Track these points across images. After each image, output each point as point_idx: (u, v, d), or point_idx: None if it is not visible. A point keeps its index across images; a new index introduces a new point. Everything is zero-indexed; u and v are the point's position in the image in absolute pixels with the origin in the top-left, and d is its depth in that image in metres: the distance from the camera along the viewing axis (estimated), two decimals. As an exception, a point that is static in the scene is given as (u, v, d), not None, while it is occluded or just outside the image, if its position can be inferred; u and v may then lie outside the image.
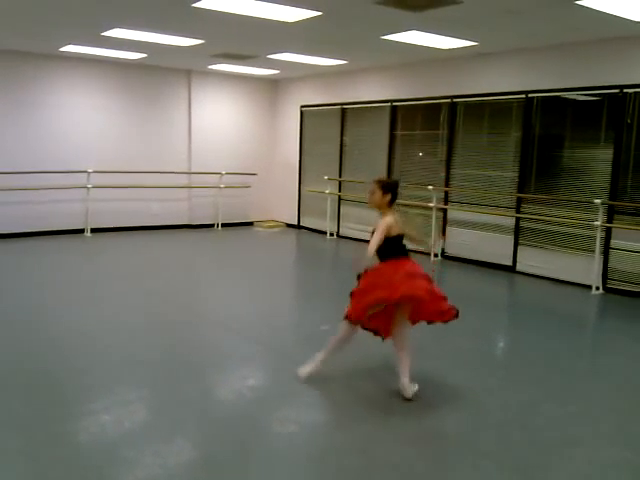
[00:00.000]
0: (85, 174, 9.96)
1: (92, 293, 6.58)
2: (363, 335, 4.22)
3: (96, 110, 10.23)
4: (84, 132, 10.12)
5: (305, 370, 4.22)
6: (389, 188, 4.10)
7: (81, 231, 10.17)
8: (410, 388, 3.95)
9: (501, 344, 5.69)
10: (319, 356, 4.20)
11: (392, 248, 4.05)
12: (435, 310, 4.09)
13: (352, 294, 4.06)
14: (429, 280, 4.10)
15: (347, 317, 4.06)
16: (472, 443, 3.46)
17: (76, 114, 10.03)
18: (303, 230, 11.75)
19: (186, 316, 5.85)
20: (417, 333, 5.54)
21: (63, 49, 8.96)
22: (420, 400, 4.00)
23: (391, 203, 4.11)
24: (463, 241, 8.84)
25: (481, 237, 8.60)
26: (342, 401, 4.03)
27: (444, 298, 4.15)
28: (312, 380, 4.18)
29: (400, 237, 4.10)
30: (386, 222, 4.02)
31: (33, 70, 9.55)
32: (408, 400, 3.92)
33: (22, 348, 4.75)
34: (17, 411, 3.65)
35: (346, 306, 4.07)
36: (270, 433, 3.57)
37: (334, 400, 4.08)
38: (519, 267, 8.09)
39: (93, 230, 10.20)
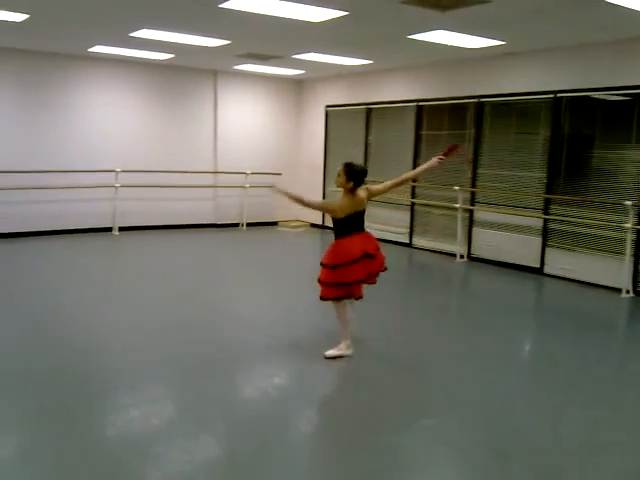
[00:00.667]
0: (113, 173, 10.10)
1: (119, 291, 6.67)
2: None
3: (124, 110, 10.37)
4: (112, 132, 10.26)
5: (331, 353, 4.65)
6: (352, 176, 4.53)
7: (109, 229, 10.31)
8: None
9: (527, 347, 5.62)
10: (342, 339, 4.68)
11: (343, 228, 4.61)
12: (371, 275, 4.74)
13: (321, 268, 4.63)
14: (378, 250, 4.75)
15: (321, 298, 4.63)
16: (497, 446, 3.42)
17: (104, 114, 10.17)
18: (327, 230, 11.74)
19: (211, 315, 5.89)
20: (444, 336, 5.51)
21: (91, 50, 9.10)
22: (446, 401, 3.98)
23: (353, 190, 4.55)
24: (489, 242, 8.75)
25: (508, 238, 8.49)
26: (368, 402, 4.02)
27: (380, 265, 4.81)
28: (341, 372, 4.18)
29: (354, 217, 4.60)
30: (338, 204, 4.58)
31: (62, 71, 9.72)
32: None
33: (50, 345, 4.83)
34: (46, 407, 3.71)
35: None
36: (295, 432, 3.58)
37: (360, 401, 4.07)
38: (547, 269, 7.98)
39: (121, 229, 10.34)
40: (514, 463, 3.26)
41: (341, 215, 4.56)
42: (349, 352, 4.68)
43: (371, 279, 4.77)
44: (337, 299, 4.63)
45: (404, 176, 5.10)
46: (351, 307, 4.84)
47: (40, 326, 5.31)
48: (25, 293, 6.39)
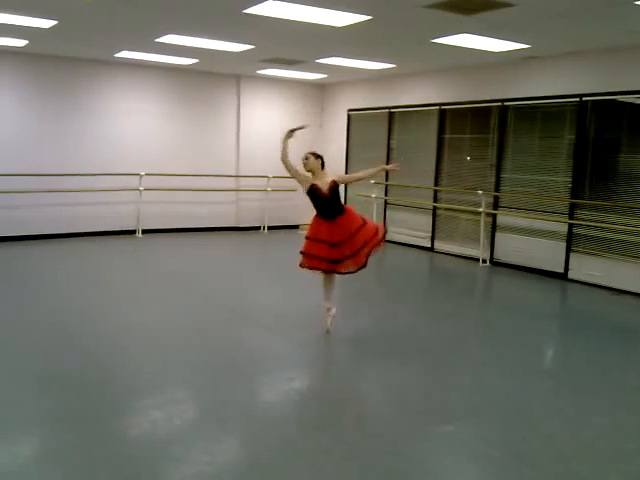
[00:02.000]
0: (137, 177, 10.23)
1: (142, 293, 6.75)
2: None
3: (148, 114, 10.50)
4: (137, 136, 10.40)
5: (327, 325, 5.35)
6: (318, 156, 5.52)
7: (132, 232, 10.44)
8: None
9: (551, 353, 5.55)
10: (325, 306, 5.38)
11: (325, 207, 5.26)
12: (358, 258, 5.24)
13: (305, 240, 5.29)
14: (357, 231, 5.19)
15: (303, 266, 5.27)
16: (519, 452, 3.39)
17: (129, 118, 10.31)
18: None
19: (232, 317, 5.92)
20: (466, 341, 5.47)
21: (117, 55, 9.24)
22: (468, 407, 3.95)
23: (322, 166, 5.47)
24: (513, 247, 8.66)
25: (532, 243, 8.41)
26: (390, 406, 4.01)
27: (367, 242, 5.23)
28: (356, 375, 4.17)
29: (320, 197, 5.26)
30: (308, 178, 5.38)
31: (88, 76, 9.88)
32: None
33: (74, 346, 4.90)
34: (71, 408, 3.76)
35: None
36: (316, 434, 3.57)
37: (380, 403, 4.06)
38: (571, 275, 7.87)
39: (144, 231, 10.46)
40: (536, 470, 3.22)
41: (303, 188, 5.39)
42: (333, 312, 5.38)
43: (341, 265, 5.21)
44: (310, 268, 5.27)
45: (366, 173, 5.84)
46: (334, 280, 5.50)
47: (64, 327, 5.39)
48: (50, 294, 6.50)
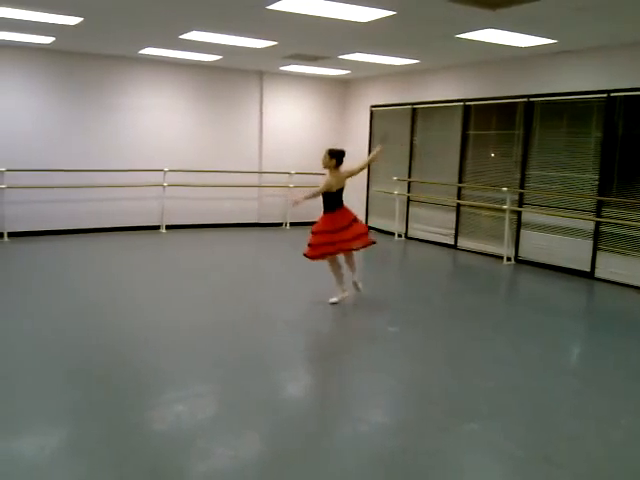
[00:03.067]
0: (161, 173, 10.31)
1: (165, 288, 6.80)
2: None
3: (171, 111, 10.57)
4: (160, 132, 10.48)
5: (334, 299, 6.05)
6: (334, 154, 6.01)
7: (157, 227, 10.53)
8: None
9: (577, 353, 5.47)
10: (338, 289, 6.08)
11: (331, 202, 5.96)
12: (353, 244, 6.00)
13: (312, 235, 5.93)
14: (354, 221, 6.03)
15: (305, 255, 5.91)
16: (545, 453, 3.34)
17: (152, 114, 10.39)
18: (370, 231, 11.64)
19: (254, 313, 5.94)
20: (490, 339, 5.42)
21: (142, 52, 9.31)
22: (492, 405, 3.91)
23: (337, 165, 5.98)
24: (538, 245, 8.55)
25: (557, 241, 8.29)
26: (414, 405, 3.99)
27: (361, 235, 6.04)
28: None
29: (337, 193, 5.95)
30: (327, 180, 5.90)
31: (113, 72, 9.97)
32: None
33: (99, 341, 4.96)
34: (97, 401, 3.81)
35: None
36: (338, 431, 3.57)
37: (404, 402, 4.04)
38: (598, 273, 7.74)
39: (168, 227, 10.54)
40: (563, 470, 3.17)
41: (335, 188, 5.92)
42: (345, 294, 6.13)
43: (345, 245, 5.97)
44: (316, 258, 5.93)
45: (365, 161, 6.72)
46: (341, 261, 6.21)
47: (90, 321, 5.46)
48: (75, 289, 6.58)
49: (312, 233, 5.97)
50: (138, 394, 3.93)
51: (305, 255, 5.94)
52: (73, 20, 6.95)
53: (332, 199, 5.97)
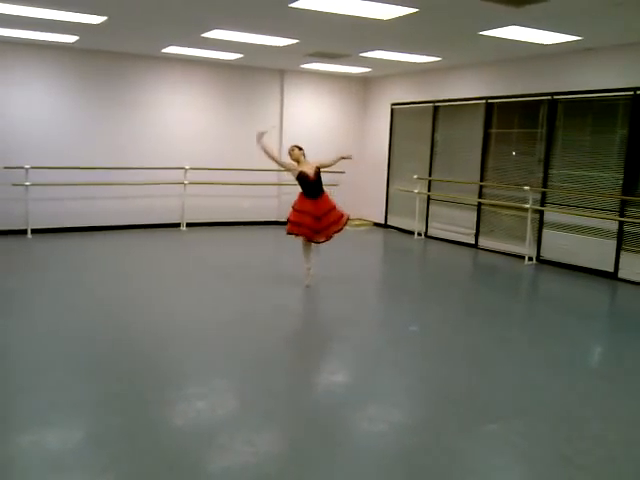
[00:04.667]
0: (182, 170, 10.39)
1: (186, 285, 6.85)
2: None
3: (193, 109, 10.64)
4: (182, 130, 10.55)
5: (306, 282, 6.68)
6: (300, 148, 6.79)
7: (177, 225, 10.61)
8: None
9: (600, 353, 5.39)
10: (306, 267, 6.68)
11: (309, 189, 6.55)
12: (328, 231, 6.55)
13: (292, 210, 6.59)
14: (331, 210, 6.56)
15: (288, 232, 6.57)
16: (566, 454, 3.30)
17: (174, 113, 10.47)
18: (390, 229, 11.67)
19: (274, 310, 5.95)
20: (511, 340, 5.36)
21: (164, 50, 9.38)
22: (513, 405, 3.88)
23: (305, 156, 6.74)
24: (560, 245, 8.45)
25: (580, 241, 8.18)
26: (433, 403, 3.97)
27: (335, 222, 6.57)
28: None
29: (307, 181, 6.54)
30: (297, 167, 6.64)
31: (136, 71, 10.06)
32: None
33: (122, 335, 5.02)
34: (118, 395, 3.85)
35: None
36: (358, 430, 3.57)
37: (424, 401, 4.02)
38: (621, 274, 7.63)
39: (188, 224, 10.62)
40: (585, 471, 3.13)
41: (300, 176, 6.54)
42: (308, 268, 6.69)
43: (319, 235, 6.52)
44: (295, 234, 6.53)
45: (331, 160, 7.07)
46: (316, 250, 6.84)
47: (111, 317, 5.52)
48: (97, 285, 6.66)
49: (293, 208, 6.64)
50: (159, 389, 3.96)
51: (287, 233, 6.61)
52: (97, 19, 7.02)
53: (310, 187, 6.56)
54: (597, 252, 7.93)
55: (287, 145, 11.37)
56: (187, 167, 10.40)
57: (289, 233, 6.58)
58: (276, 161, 6.87)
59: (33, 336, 4.86)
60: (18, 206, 9.25)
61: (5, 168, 9.04)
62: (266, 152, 6.68)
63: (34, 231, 9.36)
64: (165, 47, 9.13)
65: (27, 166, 9.17)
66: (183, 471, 2.99)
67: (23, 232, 9.32)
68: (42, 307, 5.70)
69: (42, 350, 4.55)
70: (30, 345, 4.65)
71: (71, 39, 8.55)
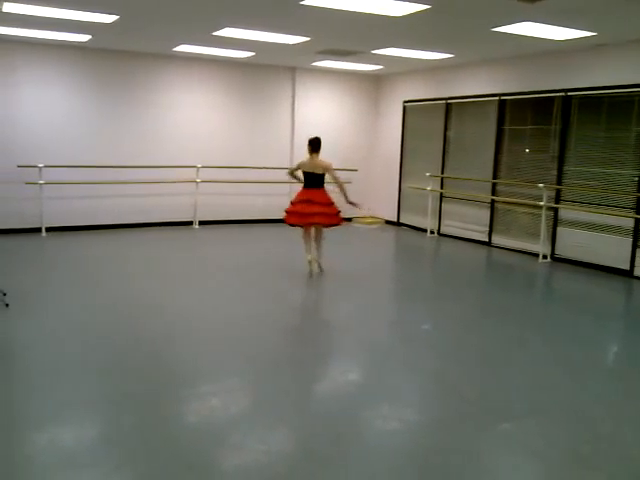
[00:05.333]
0: (194, 169, 10.41)
1: (199, 283, 6.87)
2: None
3: (205, 107, 10.66)
4: (194, 128, 10.58)
5: (309, 272, 7.13)
6: (311, 142, 7.09)
7: (189, 223, 10.64)
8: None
9: (615, 353, 5.33)
10: (309, 258, 7.14)
11: (309, 180, 7.07)
12: (316, 218, 6.96)
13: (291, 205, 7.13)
14: (326, 204, 6.98)
15: (285, 222, 7.13)
16: (581, 454, 3.26)
17: (186, 111, 10.50)
18: (403, 227, 11.63)
19: (287, 308, 5.95)
20: (525, 338, 5.32)
21: (176, 49, 9.40)
22: (526, 405, 3.84)
23: (311, 151, 7.08)
24: (575, 242, 8.37)
25: (595, 238, 8.09)
26: (446, 403, 3.94)
27: (324, 214, 6.95)
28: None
29: (316, 176, 7.01)
30: (300, 162, 7.21)
31: (147, 70, 10.10)
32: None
33: (135, 333, 5.04)
34: (132, 391, 3.87)
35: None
36: (371, 429, 3.55)
37: (437, 400, 3.99)
38: (637, 272, 7.54)
39: (200, 223, 10.64)
40: (599, 472, 3.10)
41: (309, 169, 7.03)
42: (309, 257, 7.13)
43: (310, 218, 6.95)
44: (292, 225, 7.14)
45: (338, 182, 7.06)
46: (320, 245, 7.26)
47: (125, 314, 5.55)
48: (110, 283, 6.70)
49: (290, 203, 7.16)
50: (172, 387, 3.97)
51: (285, 221, 7.16)
52: (109, 18, 7.05)
53: (310, 179, 7.05)
54: (612, 250, 7.84)
55: (298, 142, 11.49)
56: (199, 166, 10.43)
57: (285, 221, 7.18)
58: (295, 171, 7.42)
59: (47, 335, 4.89)
60: (32, 205, 9.33)
61: (19, 167, 9.11)
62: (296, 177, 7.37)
63: (48, 229, 9.43)
64: (177, 46, 9.15)
65: (40, 165, 9.24)
66: (196, 469, 2.99)
67: (37, 230, 9.40)
68: (56, 305, 5.73)
69: (56, 349, 4.58)
70: (44, 344, 4.68)
71: (84, 38, 8.59)
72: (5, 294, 5.64)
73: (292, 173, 7.39)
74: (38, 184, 9.25)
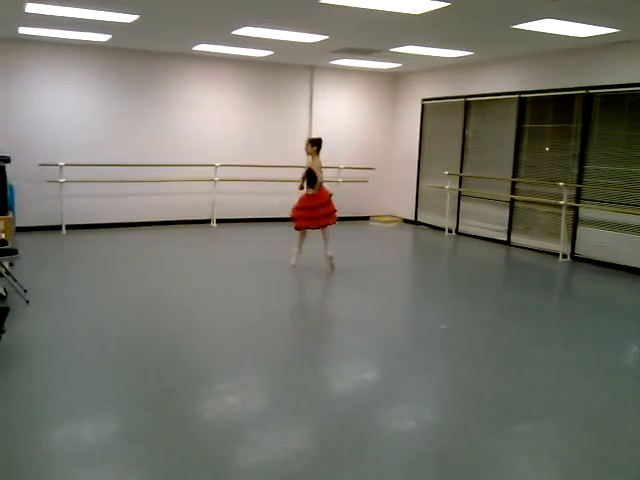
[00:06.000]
0: (212, 167, 10.45)
1: (217, 281, 6.90)
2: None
3: (223, 106, 10.70)
4: (212, 127, 10.62)
5: (292, 261, 7.36)
6: (314, 142, 7.33)
7: (207, 221, 10.70)
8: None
9: (636, 355, 5.24)
10: (295, 251, 7.38)
11: (311, 181, 7.19)
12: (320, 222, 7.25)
13: (296, 209, 7.33)
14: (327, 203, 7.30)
15: (296, 228, 7.34)
16: (601, 456, 3.22)
17: (204, 110, 10.54)
18: (420, 226, 11.57)
19: (303, 307, 5.96)
20: (545, 339, 5.26)
21: (195, 48, 9.44)
22: (547, 406, 3.80)
23: (317, 151, 7.31)
24: (596, 242, 8.26)
25: (617, 238, 7.98)
26: (467, 404, 3.91)
27: (324, 216, 7.26)
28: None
29: (306, 173, 7.26)
30: (317, 166, 7.22)
31: (166, 69, 10.16)
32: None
33: (152, 331, 5.08)
34: (149, 389, 3.90)
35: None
36: (387, 428, 3.54)
37: (454, 400, 3.97)
38: (659, 272, 7.43)
39: (218, 221, 10.69)
40: (620, 474, 3.05)
41: (320, 173, 7.23)
42: (296, 251, 7.39)
43: (311, 222, 7.25)
44: (297, 229, 7.39)
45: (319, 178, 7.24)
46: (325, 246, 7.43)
47: (143, 312, 5.59)
48: (130, 280, 6.75)
49: (295, 209, 7.36)
50: (189, 385, 3.99)
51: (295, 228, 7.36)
52: (130, 18, 7.10)
53: (314, 179, 7.18)
54: (635, 249, 7.73)
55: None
56: (217, 164, 10.47)
57: (297, 229, 7.40)
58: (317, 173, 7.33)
59: (65, 332, 4.94)
60: (53, 203, 9.44)
61: (40, 165, 9.23)
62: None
63: (68, 227, 9.54)
64: (196, 45, 9.19)
65: (61, 163, 9.35)
66: (214, 466, 3.01)
67: (58, 228, 9.52)
68: (74, 303, 5.79)
69: (74, 346, 4.63)
70: (62, 341, 4.73)
71: (104, 38, 8.67)
72: (26, 291, 5.71)
73: (302, 186, 7.41)
74: (59, 182, 9.36)
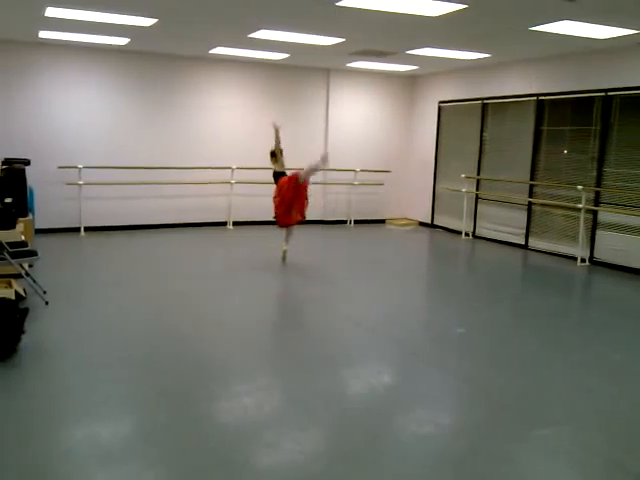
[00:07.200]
0: (229, 170, 10.50)
1: (233, 283, 6.92)
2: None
3: (239, 109, 10.74)
4: (229, 130, 10.67)
5: (282, 258, 7.80)
6: (272, 154, 8.15)
7: (224, 224, 10.74)
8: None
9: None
10: (283, 247, 7.90)
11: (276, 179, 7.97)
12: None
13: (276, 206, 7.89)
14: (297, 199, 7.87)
15: (279, 225, 7.94)
16: (621, 461, 3.17)
17: (221, 113, 10.59)
18: (437, 229, 11.52)
19: (317, 311, 5.95)
20: (564, 343, 5.20)
21: (212, 51, 9.50)
22: (565, 410, 3.76)
23: (274, 157, 8.13)
24: (615, 246, 8.16)
25: (636, 242, 7.87)
26: (483, 410, 3.88)
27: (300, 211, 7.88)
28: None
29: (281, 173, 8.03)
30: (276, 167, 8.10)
31: (183, 72, 10.23)
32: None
33: (169, 333, 5.10)
34: (167, 390, 3.91)
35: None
36: (405, 432, 3.52)
37: (472, 404, 3.94)
38: (680, 276, 7.32)
39: (235, 223, 10.73)
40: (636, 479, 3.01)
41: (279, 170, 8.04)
42: (286, 252, 7.86)
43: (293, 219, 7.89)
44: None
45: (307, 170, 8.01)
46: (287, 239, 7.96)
47: (160, 313, 5.62)
48: (148, 282, 6.80)
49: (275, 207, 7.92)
50: (205, 385, 4.01)
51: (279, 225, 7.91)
52: (148, 21, 7.17)
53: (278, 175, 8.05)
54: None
55: (332, 144, 11.50)
56: (234, 167, 10.51)
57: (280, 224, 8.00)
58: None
59: (83, 333, 4.98)
60: (72, 205, 9.54)
61: (59, 168, 9.33)
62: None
63: (87, 229, 9.63)
64: (213, 48, 9.25)
65: (80, 166, 9.45)
66: (230, 468, 3.01)
67: (76, 230, 9.61)
68: (92, 304, 5.84)
69: (91, 347, 4.66)
70: (80, 342, 4.77)
71: (123, 41, 8.75)
72: (45, 292, 5.77)
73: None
74: (77, 185, 9.45)
